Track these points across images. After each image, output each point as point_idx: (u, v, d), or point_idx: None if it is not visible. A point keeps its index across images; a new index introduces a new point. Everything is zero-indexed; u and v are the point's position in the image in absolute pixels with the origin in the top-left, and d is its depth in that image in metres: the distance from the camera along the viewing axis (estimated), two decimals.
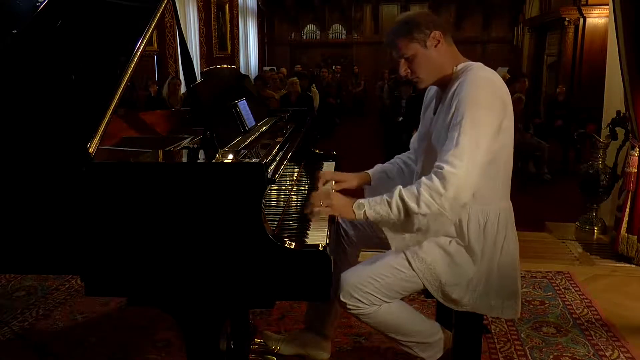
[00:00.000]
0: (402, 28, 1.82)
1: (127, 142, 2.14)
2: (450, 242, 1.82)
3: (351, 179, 2.12)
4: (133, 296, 1.62)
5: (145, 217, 1.53)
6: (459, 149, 1.65)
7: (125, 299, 1.65)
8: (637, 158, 3.55)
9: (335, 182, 2.05)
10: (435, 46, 1.80)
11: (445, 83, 1.83)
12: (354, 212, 1.74)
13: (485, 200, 1.79)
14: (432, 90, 1.96)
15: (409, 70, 1.84)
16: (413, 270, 1.81)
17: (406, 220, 1.75)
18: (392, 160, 2.19)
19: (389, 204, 1.70)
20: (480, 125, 1.67)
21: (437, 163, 1.69)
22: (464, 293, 1.82)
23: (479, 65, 1.81)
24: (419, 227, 1.79)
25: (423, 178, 1.69)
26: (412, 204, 1.68)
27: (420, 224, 1.78)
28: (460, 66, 1.82)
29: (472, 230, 1.80)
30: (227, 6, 11.96)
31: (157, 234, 1.53)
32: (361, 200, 1.75)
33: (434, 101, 1.93)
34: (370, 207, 1.73)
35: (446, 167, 1.65)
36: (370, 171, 2.17)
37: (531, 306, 2.93)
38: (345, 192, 1.98)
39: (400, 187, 1.72)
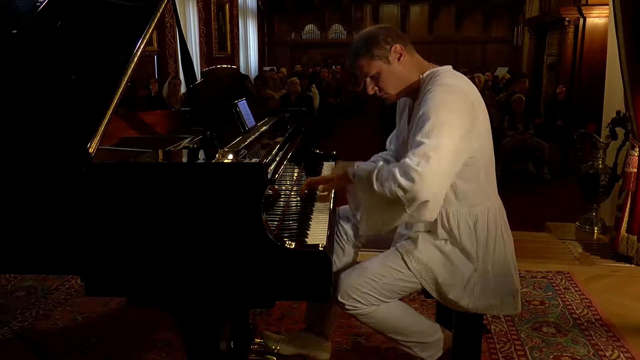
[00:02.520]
0: (361, 47, 1.78)
1: (127, 142, 2.14)
2: (445, 242, 1.83)
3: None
4: (133, 296, 1.62)
5: (145, 218, 1.53)
6: (422, 148, 1.61)
7: (125, 299, 1.65)
8: (637, 158, 3.55)
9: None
10: (399, 59, 1.77)
11: (414, 93, 1.82)
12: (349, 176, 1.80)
13: (470, 202, 1.79)
14: (405, 98, 1.94)
15: (376, 88, 1.81)
16: (410, 270, 1.82)
17: (371, 193, 1.70)
18: (373, 159, 2.16)
19: (369, 172, 1.72)
20: (444, 126, 1.63)
21: (404, 158, 1.66)
22: (462, 294, 1.82)
23: (445, 71, 1.78)
24: (385, 210, 1.71)
25: (392, 164, 1.72)
26: (373, 179, 1.68)
27: (385, 205, 1.70)
28: (426, 73, 1.79)
29: (463, 232, 1.80)
30: (227, 6, 11.97)
31: (157, 234, 1.53)
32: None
33: (407, 110, 1.92)
34: (359, 168, 1.78)
35: (407, 160, 1.61)
36: None
37: (531, 306, 2.93)
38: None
39: (384, 163, 1.77)
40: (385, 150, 2.19)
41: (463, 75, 1.81)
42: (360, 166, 1.80)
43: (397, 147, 2.07)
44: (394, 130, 2.12)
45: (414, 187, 1.59)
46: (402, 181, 1.60)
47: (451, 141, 1.63)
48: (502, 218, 1.88)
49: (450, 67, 1.82)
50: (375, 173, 1.69)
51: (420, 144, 1.62)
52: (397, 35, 1.80)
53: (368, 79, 1.81)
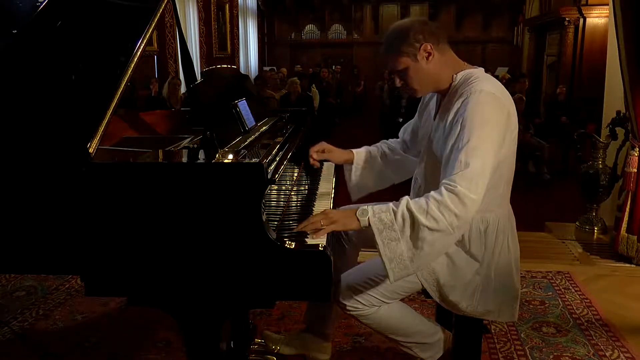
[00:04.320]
0: (390, 43, 1.76)
1: (127, 142, 2.13)
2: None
3: (337, 154, 2.16)
4: (133, 296, 1.62)
5: (145, 218, 1.53)
6: (470, 172, 1.58)
7: (125, 299, 1.65)
8: (637, 158, 3.56)
9: (323, 152, 2.13)
10: (427, 58, 1.74)
11: (444, 91, 1.80)
12: (357, 220, 1.62)
13: (485, 208, 1.76)
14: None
15: (403, 82, 1.80)
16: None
17: (411, 234, 1.60)
18: (377, 144, 2.19)
19: (395, 212, 1.60)
20: (487, 143, 1.62)
21: (446, 180, 1.60)
22: (462, 297, 1.82)
23: (480, 75, 1.75)
24: (421, 247, 1.61)
25: (432, 192, 1.60)
26: (420, 216, 1.57)
27: (423, 242, 1.61)
28: (460, 75, 1.76)
29: (474, 237, 1.79)
30: (227, 6, 11.97)
31: (157, 234, 1.53)
32: (365, 207, 1.64)
33: (434, 105, 1.90)
34: (375, 215, 1.61)
35: (459, 188, 1.57)
36: (354, 150, 2.18)
37: (531, 306, 2.93)
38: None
39: (408, 197, 1.64)
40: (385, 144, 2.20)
41: (497, 80, 1.79)
42: (374, 209, 1.62)
43: (413, 139, 2.09)
44: (412, 120, 2.11)
45: (467, 214, 1.59)
46: (457, 210, 1.57)
47: (492, 160, 1.63)
48: (510, 226, 1.86)
49: (482, 69, 1.80)
50: (418, 211, 1.58)
51: (466, 165, 1.58)
52: (430, 32, 1.75)
53: (396, 73, 1.80)
